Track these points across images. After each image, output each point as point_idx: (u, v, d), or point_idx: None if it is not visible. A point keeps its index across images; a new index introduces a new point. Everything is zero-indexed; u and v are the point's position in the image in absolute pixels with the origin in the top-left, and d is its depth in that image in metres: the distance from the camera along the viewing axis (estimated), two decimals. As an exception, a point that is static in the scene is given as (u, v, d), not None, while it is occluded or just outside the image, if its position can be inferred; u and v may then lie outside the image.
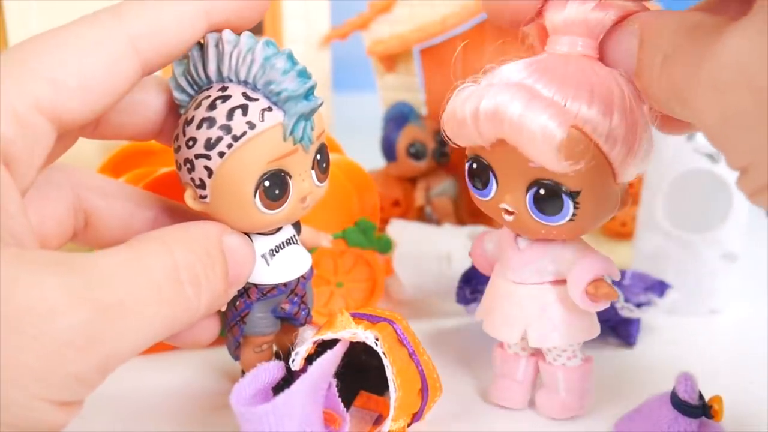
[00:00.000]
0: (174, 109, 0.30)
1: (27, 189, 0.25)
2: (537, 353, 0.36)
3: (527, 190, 0.30)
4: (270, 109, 0.28)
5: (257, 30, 0.65)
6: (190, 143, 0.28)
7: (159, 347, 0.28)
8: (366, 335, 0.31)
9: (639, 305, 0.45)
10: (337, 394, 0.31)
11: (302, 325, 0.34)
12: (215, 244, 0.28)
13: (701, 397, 0.32)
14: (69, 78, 0.24)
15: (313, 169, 0.30)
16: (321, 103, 0.29)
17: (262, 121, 0.28)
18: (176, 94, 0.29)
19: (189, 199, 0.29)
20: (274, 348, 0.35)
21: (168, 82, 0.30)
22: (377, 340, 0.31)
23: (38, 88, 0.24)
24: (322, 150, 0.31)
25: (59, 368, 0.21)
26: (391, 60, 0.62)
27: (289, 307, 0.33)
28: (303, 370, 0.30)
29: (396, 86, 0.63)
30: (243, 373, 0.34)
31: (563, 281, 0.33)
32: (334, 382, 0.31)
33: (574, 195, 0.30)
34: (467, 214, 0.62)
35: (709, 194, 0.48)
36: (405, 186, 0.61)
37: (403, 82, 0.63)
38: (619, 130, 0.28)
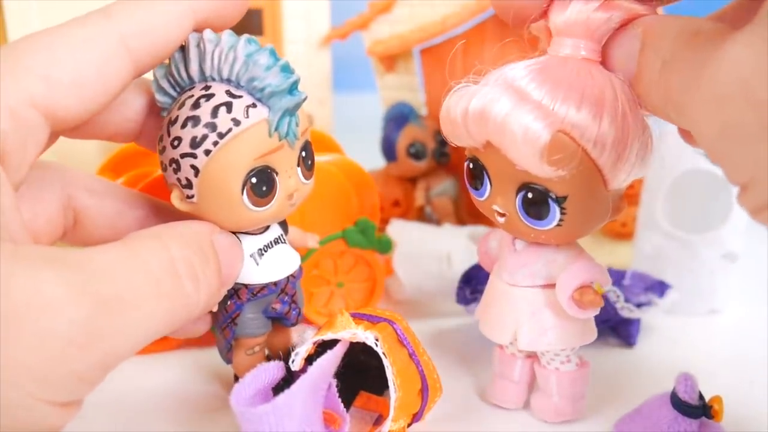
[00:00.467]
0: (154, 111, 0.30)
1: (19, 184, 0.25)
2: (533, 356, 0.36)
3: (517, 193, 0.30)
4: (254, 105, 0.28)
5: (257, 31, 0.65)
6: (175, 143, 0.28)
7: (149, 348, 0.28)
8: (366, 335, 0.31)
9: (639, 305, 0.45)
10: (337, 394, 0.31)
11: (293, 325, 0.34)
12: (207, 241, 0.28)
13: (701, 397, 0.32)
14: (63, 75, 0.24)
15: (299, 166, 0.30)
16: (305, 98, 0.29)
17: (247, 117, 0.28)
18: (158, 97, 0.29)
19: (176, 200, 0.29)
20: (266, 351, 0.35)
21: (148, 84, 0.30)
22: (377, 340, 0.31)
23: (32, 85, 0.24)
24: (307, 147, 0.31)
25: (59, 366, 0.21)
26: (391, 60, 0.62)
27: (280, 306, 0.33)
28: (303, 370, 0.30)
29: (396, 86, 0.63)
30: (236, 376, 0.34)
31: (555, 285, 0.33)
32: (334, 382, 0.31)
33: (560, 200, 0.29)
34: (467, 214, 0.62)
35: (709, 194, 0.48)
36: (405, 186, 0.61)
37: (403, 82, 0.63)
38: (609, 136, 0.28)
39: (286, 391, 0.28)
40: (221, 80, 0.28)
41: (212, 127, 0.27)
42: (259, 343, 0.34)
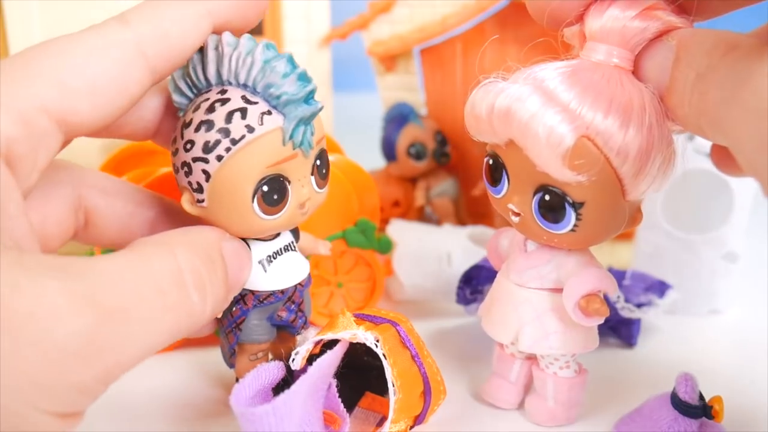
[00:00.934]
0: (171, 110, 0.30)
1: (29, 190, 0.24)
2: (532, 358, 0.36)
3: (534, 194, 0.30)
4: (269, 112, 0.28)
5: (257, 30, 0.65)
6: (188, 146, 0.28)
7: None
8: (366, 336, 0.31)
9: (639, 305, 0.45)
10: (337, 395, 0.31)
11: (299, 333, 0.34)
12: (216, 248, 0.27)
13: (701, 397, 0.32)
14: (76, 81, 0.24)
15: (312, 174, 0.30)
16: (321, 108, 0.29)
17: (262, 124, 0.27)
18: (175, 97, 0.29)
19: (186, 203, 0.29)
20: (270, 357, 0.35)
21: (166, 84, 0.30)
22: (377, 341, 0.31)
23: (45, 91, 0.23)
24: (322, 156, 0.31)
25: (60, 378, 0.20)
26: (391, 60, 0.62)
27: (286, 314, 0.33)
28: (303, 370, 0.30)
29: (396, 86, 0.63)
30: (237, 380, 0.34)
31: (562, 290, 0.33)
32: (334, 382, 0.31)
33: (577, 206, 0.29)
34: (467, 214, 0.62)
35: (710, 194, 0.48)
36: (405, 186, 0.61)
37: (403, 82, 0.63)
38: (633, 147, 0.27)
39: (286, 392, 0.27)
40: (238, 85, 0.28)
41: (226, 132, 0.27)
42: (263, 349, 0.34)
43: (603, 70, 0.28)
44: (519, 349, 0.34)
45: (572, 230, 0.30)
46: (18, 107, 0.23)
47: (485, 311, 0.36)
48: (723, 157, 0.29)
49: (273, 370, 0.30)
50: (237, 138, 0.27)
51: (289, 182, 0.29)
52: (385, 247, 0.47)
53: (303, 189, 0.30)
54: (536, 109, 0.28)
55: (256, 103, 0.28)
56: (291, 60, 0.28)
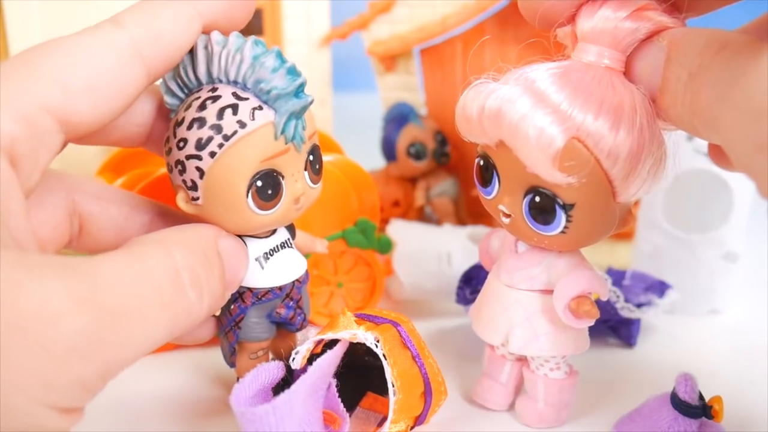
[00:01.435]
0: (163, 116, 0.30)
1: (31, 190, 0.24)
2: (523, 359, 0.36)
3: (524, 196, 0.30)
4: (260, 107, 0.28)
5: (257, 31, 0.65)
6: (181, 144, 0.28)
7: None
8: (366, 336, 0.31)
9: (639, 305, 0.45)
10: (337, 394, 0.31)
11: (298, 330, 0.34)
12: (212, 246, 0.28)
13: (701, 397, 0.32)
14: (77, 81, 0.24)
15: (306, 170, 0.30)
16: (311, 101, 0.29)
17: (253, 120, 0.27)
18: (167, 98, 0.29)
19: (181, 202, 0.29)
20: (270, 356, 0.35)
21: (157, 87, 0.30)
22: (377, 341, 0.31)
23: (46, 90, 0.24)
24: (315, 151, 0.31)
25: (62, 374, 0.21)
26: (391, 60, 0.62)
27: (285, 311, 0.33)
28: (303, 369, 0.30)
29: (396, 86, 0.63)
30: (238, 380, 0.34)
31: (552, 292, 0.32)
32: (334, 382, 0.31)
33: (567, 207, 0.29)
34: (467, 214, 0.62)
35: (710, 194, 0.48)
36: (405, 186, 0.61)
37: (403, 82, 0.63)
38: (623, 149, 0.27)
39: (286, 391, 0.27)
40: (228, 82, 0.28)
41: (218, 129, 0.27)
42: (263, 347, 0.34)
43: (594, 71, 0.28)
44: (509, 351, 0.34)
45: (562, 232, 0.30)
46: (20, 106, 0.23)
47: (475, 312, 0.36)
48: (719, 153, 0.29)
49: (273, 370, 0.30)
50: (229, 134, 0.27)
51: (282, 177, 0.29)
52: (385, 247, 0.47)
53: (297, 184, 0.30)
54: (526, 110, 0.27)
55: (246, 99, 0.28)
56: (279, 55, 0.28)
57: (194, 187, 0.28)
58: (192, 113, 0.28)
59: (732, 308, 0.49)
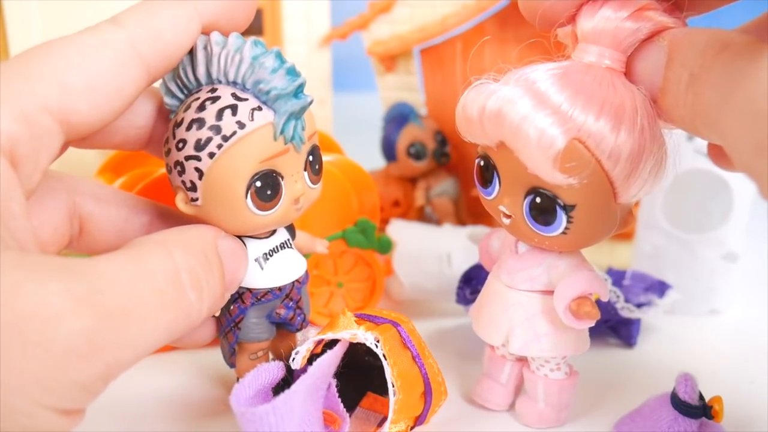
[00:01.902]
0: (163, 118, 0.30)
1: (31, 191, 0.24)
2: (523, 359, 0.36)
3: (525, 197, 0.30)
4: (260, 108, 0.28)
5: (257, 31, 0.65)
6: (180, 145, 0.28)
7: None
8: (366, 336, 0.31)
9: (639, 305, 0.45)
10: (337, 395, 0.31)
11: (298, 330, 0.34)
12: (212, 247, 0.28)
13: (701, 397, 0.32)
14: (77, 81, 0.24)
15: (305, 170, 0.30)
16: (311, 101, 0.29)
17: (252, 120, 0.27)
18: (167, 100, 0.29)
19: (180, 202, 0.29)
20: (270, 356, 0.35)
21: (157, 90, 0.30)
22: (377, 341, 0.31)
23: (46, 90, 0.24)
24: (315, 151, 0.31)
25: (63, 375, 0.21)
26: (391, 60, 0.62)
27: (285, 312, 0.33)
28: (303, 370, 0.30)
29: (396, 86, 0.63)
30: (238, 380, 0.34)
31: (553, 292, 0.32)
32: (334, 382, 0.31)
33: (568, 208, 0.29)
34: (467, 214, 0.62)
35: (709, 194, 0.48)
36: (405, 186, 0.61)
37: (403, 82, 0.63)
38: (624, 149, 0.27)
39: (286, 391, 0.27)
40: (228, 83, 0.28)
41: (217, 129, 0.27)
42: (263, 347, 0.34)
43: (594, 72, 0.28)
44: (509, 352, 0.34)
45: (563, 233, 0.30)
46: (20, 107, 0.23)
47: (476, 313, 0.36)
48: (719, 153, 0.29)
49: (273, 370, 0.30)
50: (228, 134, 0.27)
51: (282, 177, 0.29)
52: (385, 247, 0.47)
53: (296, 184, 0.30)
54: (527, 111, 0.27)
55: (246, 99, 0.28)
56: (279, 55, 0.28)
57: (193, 187, 0.28)
58: (191, 114, 0.28)
59: (732, 308, 0.49)
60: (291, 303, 0.33)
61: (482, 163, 0.32)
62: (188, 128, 0.28)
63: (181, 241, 0.26)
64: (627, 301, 0.44)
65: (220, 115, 0.27)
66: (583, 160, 0.27)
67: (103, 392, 0.23)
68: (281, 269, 0.32)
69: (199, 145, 0.27)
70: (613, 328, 0.44)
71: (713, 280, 0.48)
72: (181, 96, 0.29)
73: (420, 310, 0.48)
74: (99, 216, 0.30)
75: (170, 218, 0.32)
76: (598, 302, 0.41)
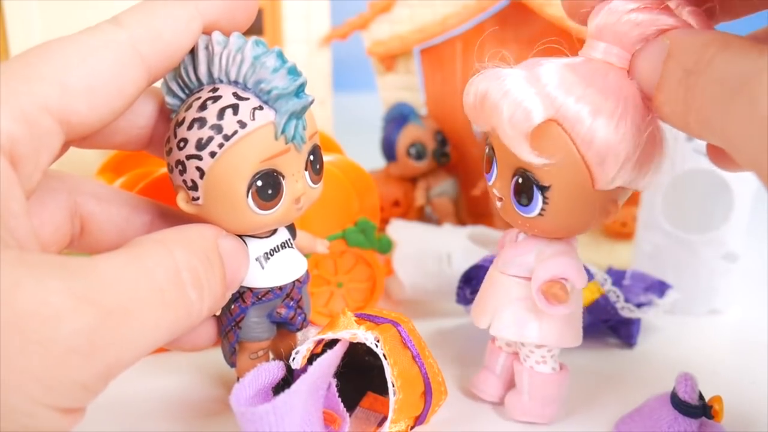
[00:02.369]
0: (164, 118, 0.30)
1: (32, 191, 0.24)
2: (517, 352, 0.36)
3: (512, 178, 0.31)
4: (261, 108, 0.28)
5: (257, 31, 0.65)
6: (181, 144, 0.28)
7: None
8: (366, 336, 0.31)
9: (639, 305, 0.45)
10: (337, 394, 0.31)
11: (298, 330, 0.34)
12: (213, 246, 0.28)
13: (701, 397, 0.32)
14: (77, 82, 0.24)
15: (306, 170, 0.30)
16: (312, 101, 0.29)
17: (253, 120, 0.27)
18: (168, 99, 0.29)
19: (181, 202, 0.29)
20: (270, 356, 0.35)
21: (158, 89, 0.30)
22: (378, 341, 0.31)
23: (47, 90, 0.24)
24: (316, 151, 0.31)
25: (63, 374, 0.21)
26: (391, 60, 0.62)
27: (285, 311, 0.33)
28: (303, 369, 0.30)
29: (396, 86, 0.63)
30: (239, 380, 0.34)
31: None
32: (334, 381, 0.31)
33: (544, 189, 0.30)
34: (467, 214, 0.62)
35: (710, 194, 0.48)
36: (405, 186, 0.61)
37: (403, 82, 0.63)
38: (599, 135, 0.28)
39: (287, 391, 0.28)
40: (229, 82, 0.28)
41: (218, 129, 0.27)
42: (263, 347, 0.34)
43: (594, 64, 0.29)
44: (490, 333, 0.34)
45: (540, 214, 0.30)
46: (20, 107, 0.23)
47: (476, 298, 0.36)
48: (718, 153, 0.29)
49: (273, 370, 0.30)
50: (229, 134, 0.27)
51: (283, 177, 0.29)
52: (385, 247, 0.47)
53: (297, 184, 0.30)
54: (509, 87, 0.28)
55: (247, 99, 0.28)
56: (280, 55, 0.28)
57: (194, 187, 0.28)
58: (192, 113, 0.28)
59: (732, 308, 0.49)
60: (292, 302, 0.33)
61: (487, 149, 0.32)
62: (189, 127, 0.28)
63: (182, 240, 0.26)
64: (627, 301, 0.44)
65: (221, 114, 0.27)
66: (558, 141, 0.28)
67: (103, 391, 0.23)
68: (282, 269, 0.32)
69: (201, 145, 0.27)
70: (613, 328, 0.44)
71: (713, 280, 0.48)
72: (183, 95, 0.29)
73: (420, 310, 0.48)
74: (100, 215, 0.30)
75: (171, 218, 0.32)
76: (598, 302, 0.42)
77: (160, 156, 0.30)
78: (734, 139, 0.22)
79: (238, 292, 0.32)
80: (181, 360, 0.41)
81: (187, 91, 0.29)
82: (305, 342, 0.32)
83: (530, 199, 0.30)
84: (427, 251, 0.48)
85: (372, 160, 0.59)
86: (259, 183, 0.28)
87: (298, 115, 0.29)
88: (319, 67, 0.65)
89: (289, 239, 0.33)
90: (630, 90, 0.28)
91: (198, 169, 0.28)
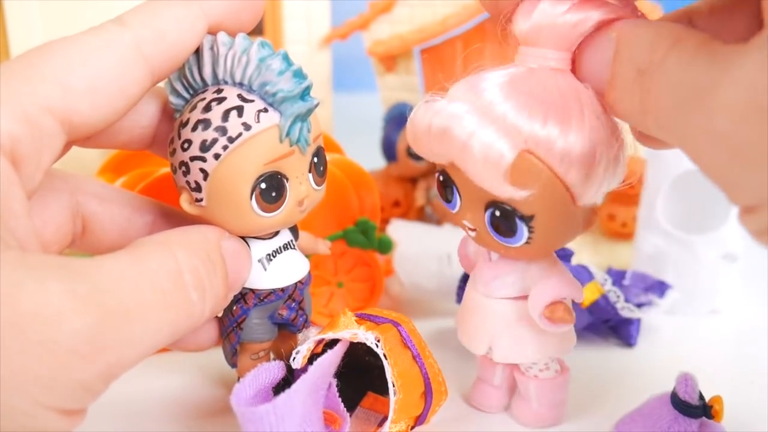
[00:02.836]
0: (168, 118, 0.30)
1: (33, 191, 0.24)
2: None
3: (485, 210, 0.30)
4: (266, 110, 0.28)
5: (257, 31, 0.65)
6: (185, 145, 0.28)
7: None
8: (366, 336, 0.31)
9: (639, 305, 0.45)
10: (338, 394, 0.31)
11: (300, 331, 0.34)
12: (215, 248, 0.27)
13: (701, 397, 0.32)
14: (79, 82, 0.24)
15: (310, 172, 0.30)
16: (317, 104, 0.29)
17: (258, 122, 0.27)
18: (172, 99, 0.29)
19: (185, 203, 0.29)
20: (271, 356, 0.35)
21: (162, 89, 0.30)
22: (378, 341, 0.31)
23: (48, 91, 0.24)
24: (320, 153, 0.31)
25: (64, 375, 0.21)
26: (391, 60, 0.62)
27: (287, 312, 0.33)
28: (304, 369, 0.30)
29: (396, 86, 0.63)
30: (239, 380, 0.34)
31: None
32: (335, 381, 0.31)
33: (527, 219, 0.28)
34: (467, 214, 0.62)
35: (709, 194, 0.48)
36: (405, 186, 0.61)
37: (403, 82, 0.63)
38: (575, 152, 0.27)
39: (287, 391, 0.27)
40: (234, 84, 0.28)
41: (223, 131, 0.27)
42: (265, 348, 0.34)
43: (538, 75, 0.27)
44: (494, 360, 0.34)
45: (527, 243, 0.29)
46: (22, 107, 0.23)
47: (459, 322, 0.36)
48: (645, 135, 0.28)
49: (273, 370, 0.30)
50: (234, 136, 0.27)
51: (286, 179, 0.29)
52: (385, 247, 0.47)
53: (301, 186, 0.30)
54: (473, 127, 0.27)
55: (252, 101, 0.28)
56: (286, 57, 0.28)
57: (198, 188, 0.28)
58: (197, 114, 0.28)
59: (732, 308, 0.49)
60: (293, 304, 0.33)
61: (441, 178, 0.31)
62: (194, 129, 0.27)
63: (185, 242, 0.26)
64: (627, 301, 0.44)
65: (226, 116, 0.27)
66: (534, 170, 0.27)
67: (104, 392, 0.23)
68: (284, 270, 0.32)
69: (205, 146, 0.27)
70: (613, 328, 0.44)
71: (713, 280, 0.48)
72: (187, 96, 0.29)
73: (420, 310, 0.48)
74: (102, 215, 0.30)
75: (173, 218, 0.32)
76: (598, 302, 0.42)
77: (163, 156, 0.30)
78: (694, 149, 0.22)
79: (240, 293, 0.32)
80: (182, 360, 0.41)
81: (191, 92, 0.29)
82: (306, 342, 0.32)
83: (513, 231, 0.29)
84: (427, 251, 0.48)
85: (372, 160, 0.59)
86: (263, 185, 0.28)
87: (303, 117, 0.28)
88: (320, 67, 0.65)
89: (292, 240, 0.33)
90: (584, 92, 0.27)
91: (202, 170, 0.28)
